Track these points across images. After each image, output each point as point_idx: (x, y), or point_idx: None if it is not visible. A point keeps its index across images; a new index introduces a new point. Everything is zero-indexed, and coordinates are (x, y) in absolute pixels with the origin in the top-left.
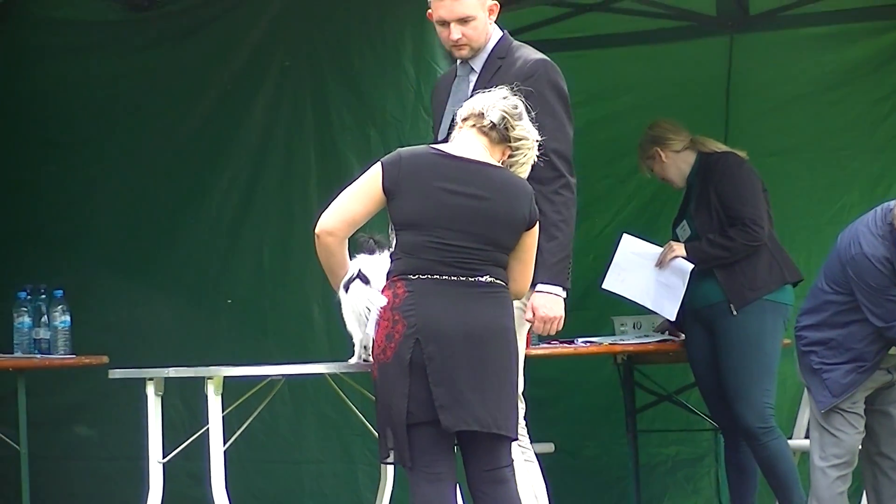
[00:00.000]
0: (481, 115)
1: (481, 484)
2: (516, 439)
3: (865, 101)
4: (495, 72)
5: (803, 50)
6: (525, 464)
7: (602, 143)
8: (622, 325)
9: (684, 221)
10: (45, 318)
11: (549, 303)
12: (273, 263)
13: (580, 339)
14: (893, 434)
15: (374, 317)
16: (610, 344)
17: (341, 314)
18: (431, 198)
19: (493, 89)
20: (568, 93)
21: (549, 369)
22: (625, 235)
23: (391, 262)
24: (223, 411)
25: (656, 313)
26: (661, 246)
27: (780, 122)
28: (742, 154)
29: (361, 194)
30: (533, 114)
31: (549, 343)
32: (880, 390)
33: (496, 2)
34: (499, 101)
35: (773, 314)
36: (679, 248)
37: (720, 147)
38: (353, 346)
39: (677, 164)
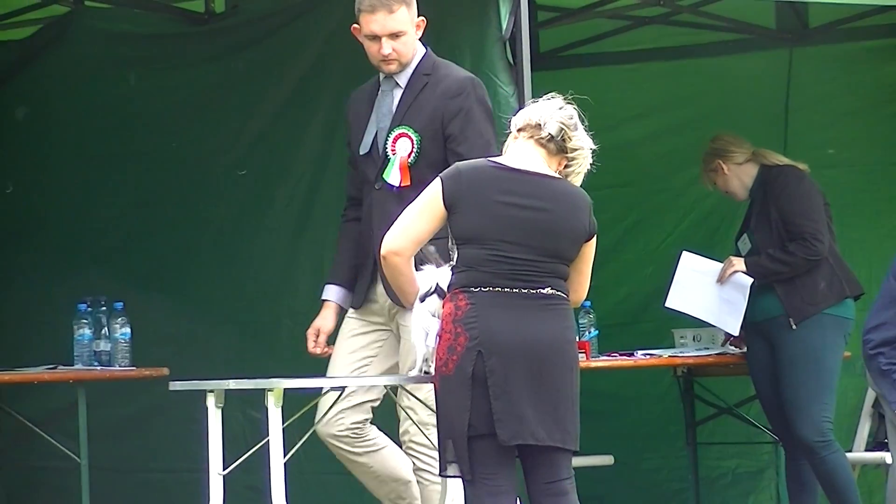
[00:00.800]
0: (538, 127)
1: (542, 497)
2: (577, 451)
3: None
4: (422, 88)
5: (862, 63)
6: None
7: (659, 156)
8: (682, 337)
9: (745, 235)
10: (105, 331)
11: None
12: None
13: (640, 352)
14: None
15: (434, 329)
16: (670, 357)
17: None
18: (492, 211)
19: (545, 98)
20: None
21: (609, 382)
22: (684, 253)
23: (452, 275)
24: (283, 423)
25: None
26: (721, 261)
27: (838, 135)
28: (803, 167)
29: (425, 212)
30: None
31: (609, 356)
32: None
33: (423, 18)
34: (556, 112)
35: (834, 328)
36: (739, 263)
37: (782, 160)
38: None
39: (739, 176)
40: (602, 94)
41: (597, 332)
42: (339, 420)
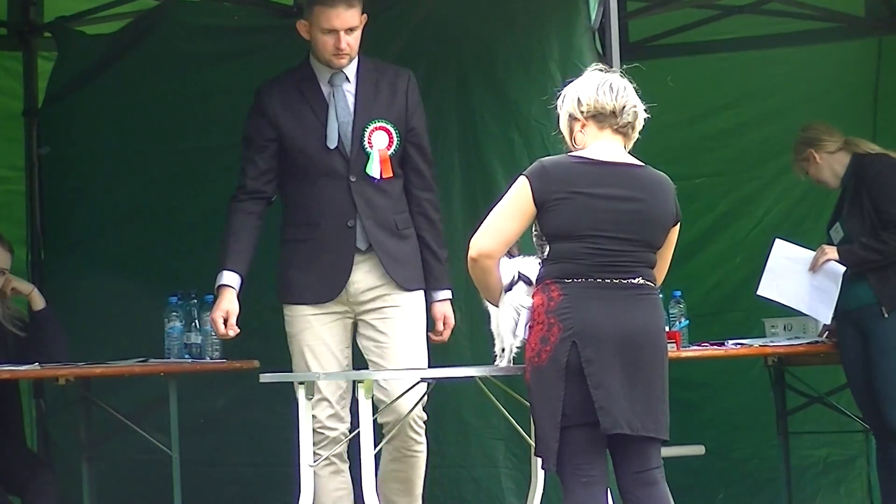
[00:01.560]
0: (615, 115)
1: (632, 486)
2: (667, 441)
3: None
4: (376, 82)
5: None
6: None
7: (749, 145)
8: (773, 326)
9: (837, 224)
10: (195, 323)
11: (450, 310)
12: None
13: (730, 341)
14: None
15: (524, 320)
16: (760, 346)
17: (490, 317)
18: (585, 206)
19: (601, 78)
20: None
21: (700, 372)
22: (777, 240)
23: (543, 267)
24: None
25: (807, 315)
26: (813, 249)
27: None
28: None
29: (513, 211)
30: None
31: (700, 345)
32: None
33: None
34: (627, 95)
35: None
36: (831, 252)
37: (874, 149)
38: (503, 350)
39: (831, 165)
40: (692, 84)
41: (687, 321)
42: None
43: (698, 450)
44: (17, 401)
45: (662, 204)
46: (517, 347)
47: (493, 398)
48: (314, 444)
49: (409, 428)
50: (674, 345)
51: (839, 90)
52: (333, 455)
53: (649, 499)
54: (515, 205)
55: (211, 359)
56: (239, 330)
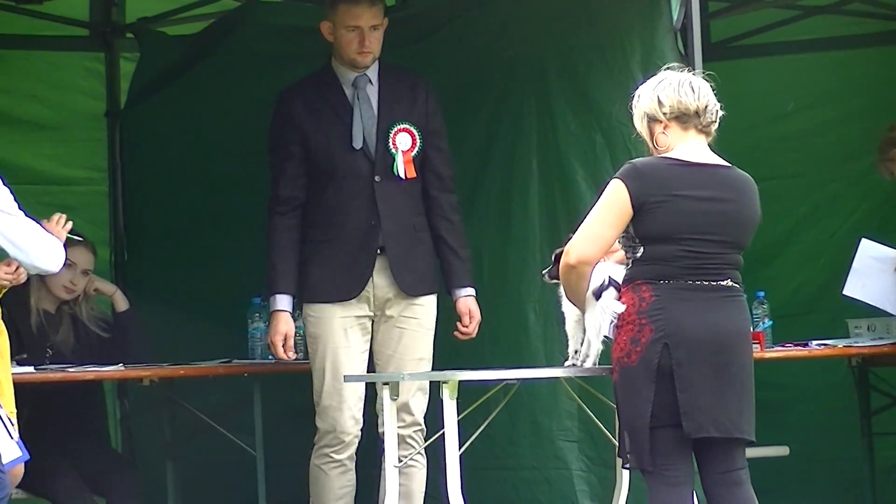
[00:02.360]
0: (698, 115)
1: (717, 487)
2: (753, 442)
3: None
4: (396, 84)
5: None
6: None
7: (833, 144)
8: (856, 327)
9: None
10: None
11: (475, 304)
12: (491, 269)
13: (814, 342)
14: None
15: (607, 324)
16: (844, 346)
17: (566, 319)
18: (683, 209)
19: (680, 79)
20: None
21: (783, 373)
22: (864, 240)
23: (633, 267)
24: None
25: (893, 315)
26: None
27: None
28: None
29: (612, 217)
30: None
31: (783, 346)
32: None
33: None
34: (707, 94)
35: None
36: None
37: None
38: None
39: None
40: (773, 84)
41: (771, 322)
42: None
43: (782, 451)
44: (101, 401)
45: (751, 205)
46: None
47: (578, 399)
48: (330, 447)
49: (412, 440)
50: (757, 346)
51: None
52: (346, 455)
53: (734, 499)
54: (612, 209)
55: (294, 359)
56: (296, 353)
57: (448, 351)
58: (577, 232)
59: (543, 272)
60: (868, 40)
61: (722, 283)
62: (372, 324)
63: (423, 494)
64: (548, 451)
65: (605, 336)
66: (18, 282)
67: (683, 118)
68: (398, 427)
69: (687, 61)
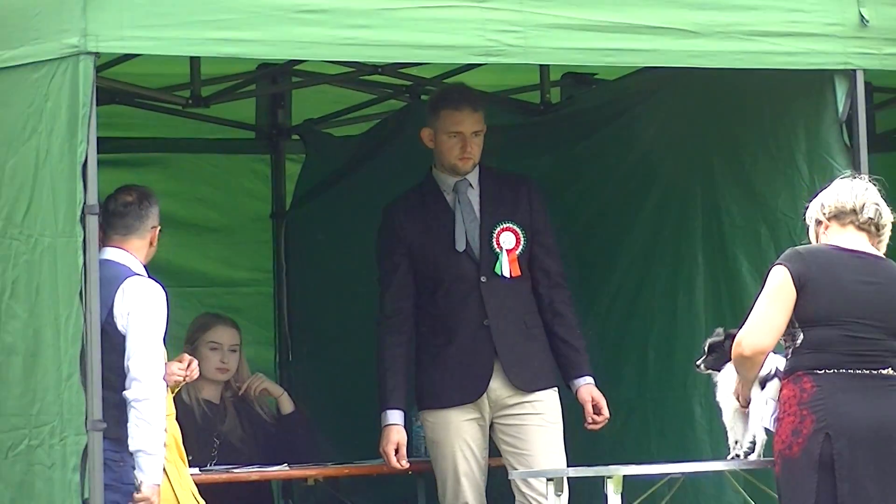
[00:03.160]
0: (855, 212)
1: None
2: None
3: None
4: (497, 186)
5: None
6: None
7: None
8: None
9: None
10: None
11: (597, 391)
12: (657, 363)
13: None
14: None
15: (770, 412)
16: None
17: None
18: (844, 291)
19: (845, 182)
20: None
21: None
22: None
23: (792, 357)
24: None
25: None
26: None
27: None
28: None
29: (780, 304)
30: None
31: None
32: None
33: None
34: (867, 194)
35: None
36: None
37: None
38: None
39: None
40: None
41: None
42: None
43: None
44: (270, 500)
45: None
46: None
47: (743, 492)
48: None
49: None
50: None
51: None
52: None
53: None
54: (780, 297)
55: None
56: (409, 463)
57: (613, 446)
58: (747, 322)
59: (698, 362)
60: None
61: (883, 371)
62: (492, 425)
63: None
64: None
65: (766, 428)
66: (192, 378)
67: (841, 216)
68: None
69: (852, 153)
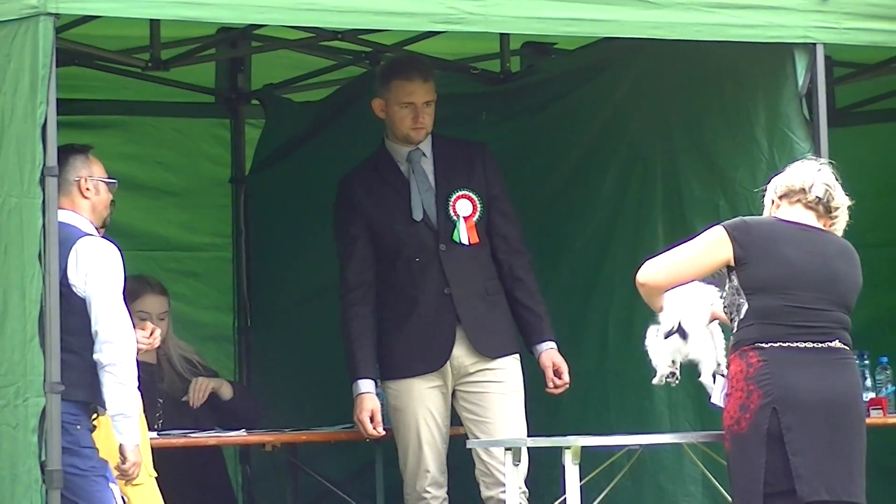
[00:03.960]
0: (804, 191)
1: None
2: None
3: None
4: (450, 154)
5: None
6: None
7: None
8: None
9: None
10: None
11: (558, 356)
12: (617, 335)
13: None
14: None
15: (719, 388)
16: None
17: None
18: (785, 259)
19: (801, 163)
20: None
21: None
22: None
23: (738, 331)
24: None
25: None
26: None
27: None
28: None
29: (700, 260)
30: None
31: None
32: None
33: None
34: (817, 175)
35: None
36: None
37: None
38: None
39: None
40: None
41: (894, 388)
42: None
43: None
44: (223, 467)
45: (854, 267)
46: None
47: (701, 465)
48: None
49: None
50: (881, 411)
51: None
52: None
53: None
54: (705, 254)
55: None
56: (385, 431)
57: (574, 416)
58: (659, 255)
59: None
60: None
61: (831, 343)
62: (454, 392)
63: None
64: None
65: (716, 405)
66: (153, 347)
67: (791, 194)
68: (499, 492)
69: (812, 127)
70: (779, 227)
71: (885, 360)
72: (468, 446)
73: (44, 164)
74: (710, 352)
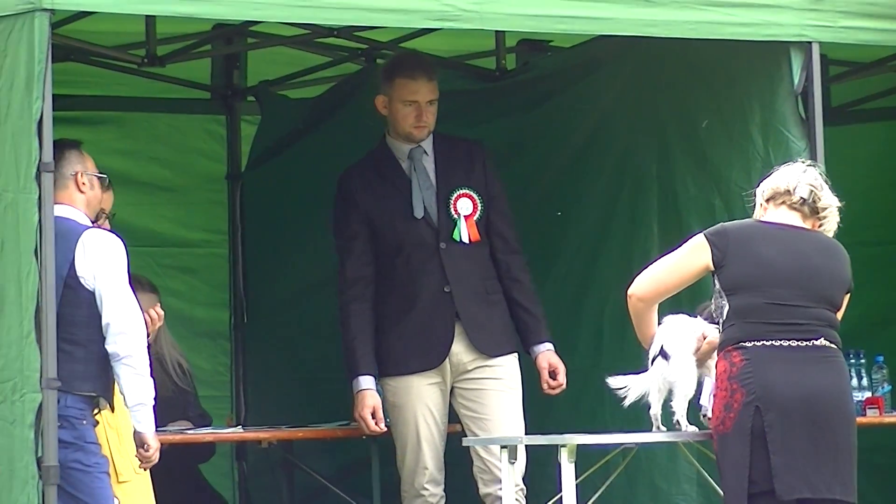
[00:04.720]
0: (789, 192)
1: None
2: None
3: None
4: (451, 153)
5: None
6: None
7: None
8: None
9: None
10: None
11: (555, 357)
12: (612, 333)
13: None
14: None
15: (707, 389)
16: None
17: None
18: (762, 258)
19: (787, 165)
20: None
21: None
22: None
23: (723, 332)
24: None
25: None
26: None
27: None
28: None
29: (680, 268)
30: None
31: None
32: None
33: None
34: (802, 176)
35: None
36: None
37: None
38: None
39: None
40: (893, 148)
41: (890, 387)
42: None
43: None
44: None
45: (838, 264)
46: (706, 417)
47: (696, 463)
48: None
49: (517, 502)
50: (877, 410)
51: None
52: None
53: None
54: (684, 262)
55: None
56: (386, 428)
57: (568, 414)
58: (647, 268)
59: None
60: None
61: (816, 342)
62: (452, 389)
63: None
64: None
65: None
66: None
67: (777, 196)
68: (497, 489)
69: (808, 126)
70: (756, 228)
71: (880, 358)
72: (464, 444)
73: (39, 160)
74: (689, 378)
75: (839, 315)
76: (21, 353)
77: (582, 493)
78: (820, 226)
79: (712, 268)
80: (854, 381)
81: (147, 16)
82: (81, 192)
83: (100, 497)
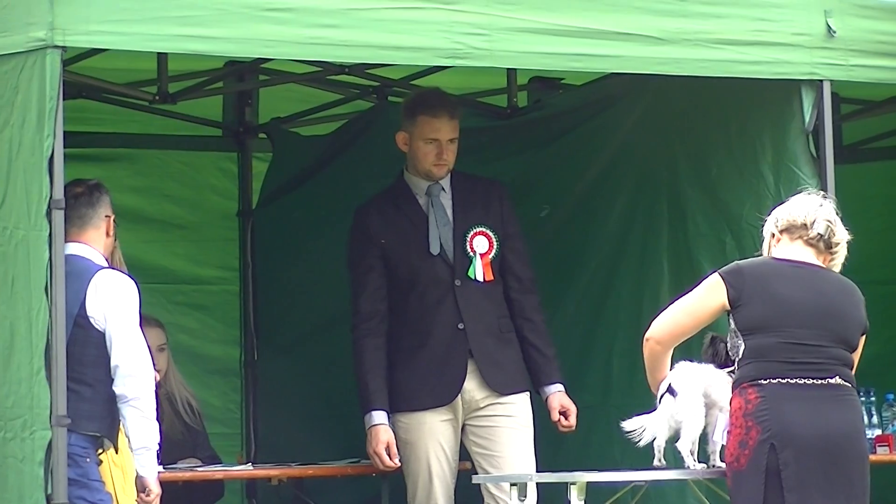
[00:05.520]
0: (805, 227)
1: None
2: None
3: None
4: (469, 191)
5: None
6: None
7: None
8: None
9: None
10: None
11: (566, 399)
12: (621, 370)
13: None
14: None
15: (722, 425)
16: None
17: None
18: (778, 298)
19: (803, 196)
20: None
21: None
22: None
23: (739, 369)
24: None
25: None
26: None
27: None
28: None
29: (697, 308)
30: None
31: None
32: None
33: None
34: (819, 211)
35: None
36: None
37: None
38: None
39: None
40: None
41: None
42: None
43: None
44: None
45: (854, 305)
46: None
47: (706, 500)
48: None
49: None
50: (887, 448)
51: None
52: None
53: None
54: (700, 303)
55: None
56: (399, 463)
57: (577, 451)
58: (662, 311)
59: None
60: None
61: (831, 380)
62: (463, 426)
63: None
64: None
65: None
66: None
67: (792, 229)
68: None
69: (819, 164)
70: (772, 267)
71: (891, 396)
72: (474, 481)
73: (51, 197)
74: (697, 416)
75: (856, 356)
76: (31, 391)
77: None
78: (831, 260)
79: (728, 307)
80: (864, 419)
81: (159, 53)
82: (108, 235)
83: None
